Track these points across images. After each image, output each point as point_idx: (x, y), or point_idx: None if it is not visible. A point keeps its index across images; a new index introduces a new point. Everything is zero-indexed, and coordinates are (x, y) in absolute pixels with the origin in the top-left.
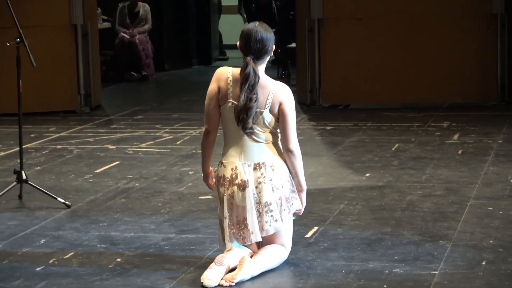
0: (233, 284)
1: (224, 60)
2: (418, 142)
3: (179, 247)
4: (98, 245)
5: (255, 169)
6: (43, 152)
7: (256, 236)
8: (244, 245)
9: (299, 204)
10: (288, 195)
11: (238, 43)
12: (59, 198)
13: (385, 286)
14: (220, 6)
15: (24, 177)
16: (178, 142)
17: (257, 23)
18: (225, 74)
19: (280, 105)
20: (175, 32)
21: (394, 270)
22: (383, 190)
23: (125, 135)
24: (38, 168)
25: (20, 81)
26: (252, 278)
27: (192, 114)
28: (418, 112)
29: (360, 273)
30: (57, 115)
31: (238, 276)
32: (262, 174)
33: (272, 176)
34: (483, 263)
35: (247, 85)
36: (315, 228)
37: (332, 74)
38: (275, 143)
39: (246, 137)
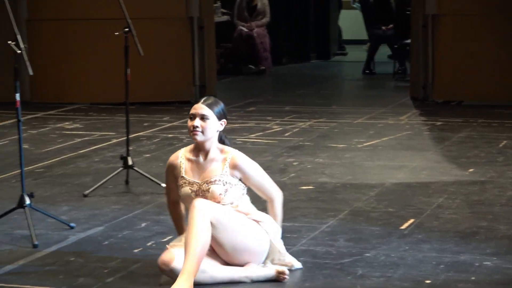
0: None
1: (343, 55)
2: None
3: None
4: None
5: None
6: (154, 140)
7: None
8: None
9: None
10: None
11: None
12: (162, 184)
13: (473, 278)
14: (341, 1)
15: (130, 163)
16: (286, 134)
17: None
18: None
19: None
20: (293, 26)
21: (484, 263)
22: (484, 186)
23: (236, 126)
24: (147, 155)
25: (128, 69)
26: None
27: (304, 107)
28: None
29: (450, 265)
30: (172, 105)
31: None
32: None
33: None
34: None
35: None
36: (411, 220)
37: (445, 70)
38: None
39: None
